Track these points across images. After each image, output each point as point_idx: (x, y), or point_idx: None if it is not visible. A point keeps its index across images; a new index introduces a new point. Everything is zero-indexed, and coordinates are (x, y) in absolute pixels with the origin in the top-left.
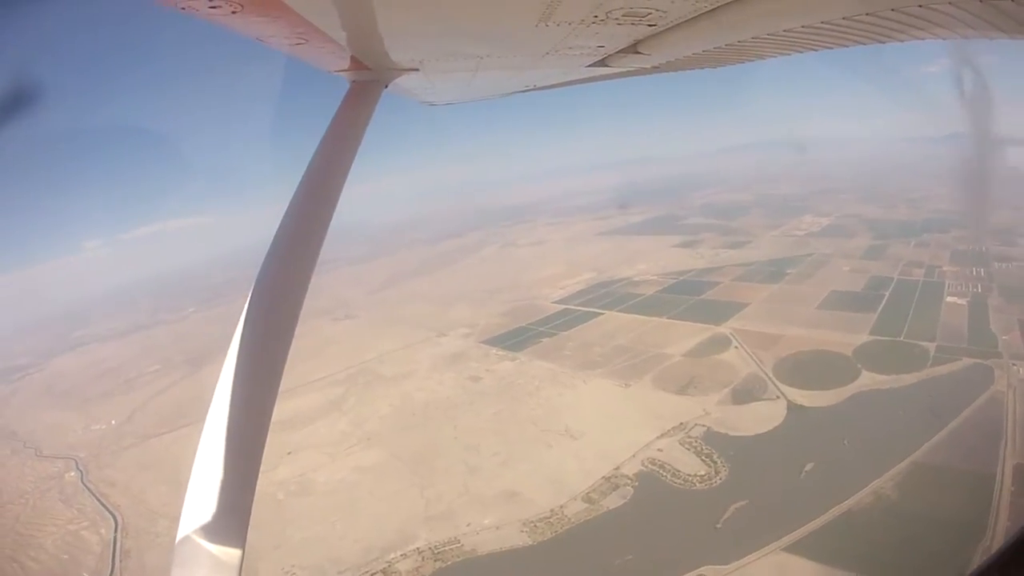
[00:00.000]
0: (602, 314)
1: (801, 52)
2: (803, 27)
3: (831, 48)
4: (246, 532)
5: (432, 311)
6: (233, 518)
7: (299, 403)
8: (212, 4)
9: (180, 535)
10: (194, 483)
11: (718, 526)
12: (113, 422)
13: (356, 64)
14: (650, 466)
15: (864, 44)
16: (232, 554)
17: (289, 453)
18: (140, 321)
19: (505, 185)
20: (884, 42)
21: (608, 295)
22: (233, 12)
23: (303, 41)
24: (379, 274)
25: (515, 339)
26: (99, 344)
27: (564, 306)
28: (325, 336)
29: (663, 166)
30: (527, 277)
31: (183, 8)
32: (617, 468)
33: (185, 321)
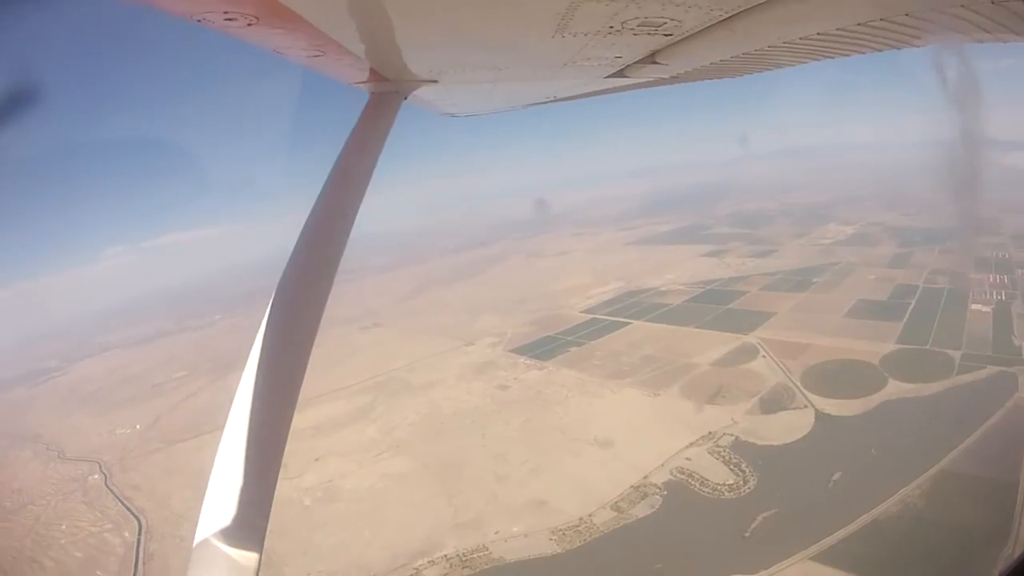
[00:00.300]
0: (630, 323)
1: (819, 60)
2: (819, 35)
3: (848, 55)
4: (264, 536)
5: (459, 320)
6: (251, 522)
7: (327, 410)
8: (228, 16)
9: (198, 538)
10: (213, 487)
11: (746, 535)
12: (138, 426)
13: (375, 76)
14: (679, 475)
15: (880, 50)
16: (250, 558)
17: (317, 460)
18: (166, 328)
19: (530, 194)
20: (900, 48)
21: (636, 305)
22: (249, 25)
23: (320, 53)
24: (406, 283)
25: (543, 348)
26: (125, 349)
27: (592, 315)
28: (353, 345)
29: (687, 174)
30: (554, 286)
31: (199, 20)
32: (646, 477)
33: (212, 328)
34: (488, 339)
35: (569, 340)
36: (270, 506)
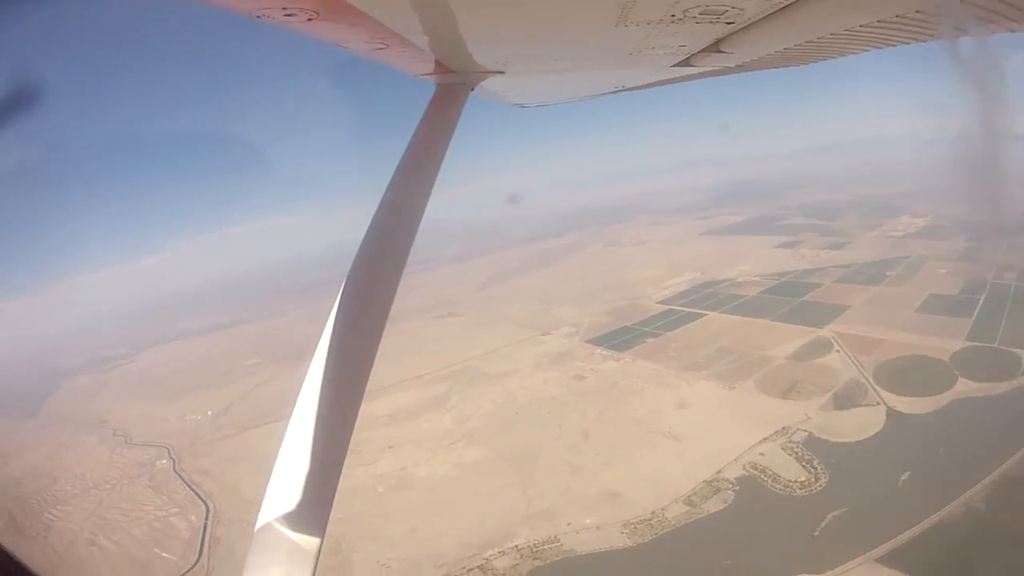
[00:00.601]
0: (706, 315)
1: (880, 48)
2: (879, 22)
3: (908, 43)
4: (326, 522)
5: (536, 310)
6: (314, 508)
7: (402, 398)
8: (287, 12)
9: (260, 522)
10: (278, 471)
11: (816, 534)
12: (209, 413)
13: (440, 67)
14: (752, 470)
15: (939, 39)
16: (311, 542)
17: (391, 447)
18: (239, 316)
19: (603, 184)
20: (959, 36)
21: (711, 296)
22: (309, 20)
23: (384, 46)
24: (482, 272)
25: (619, 339)
26: (196, 337)
27: (668, 306)
28: (429, 333)
29: (759, 164)
30: (630, 277)
31: (258, 17)
32: (719, 472)
33: (284, 317)
34: (565, 329)
35: (645, 331)
36: (334, 493)
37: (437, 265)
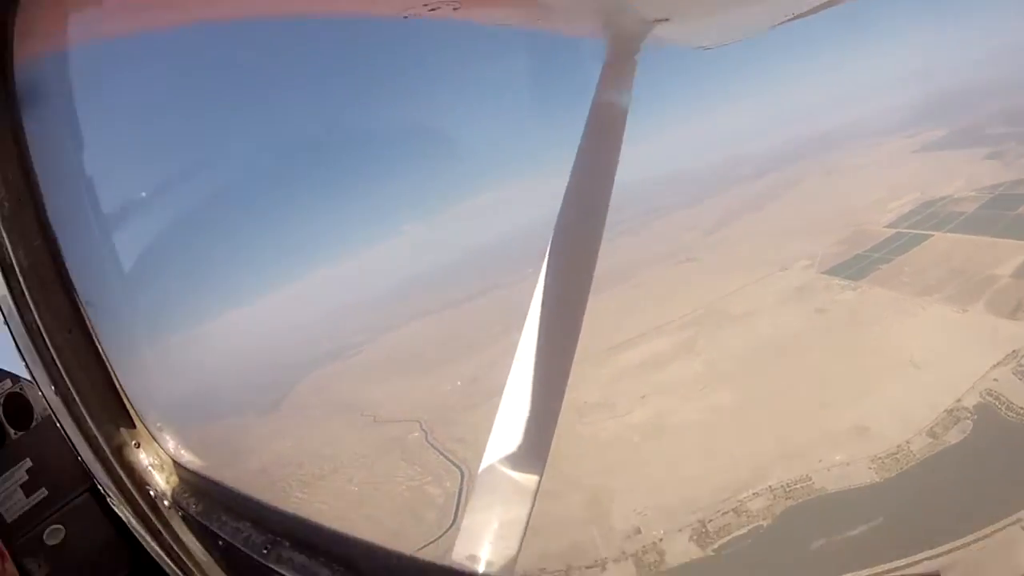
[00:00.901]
0: (931, 235)
1: None
2: None
3: None
4: (545, 461)
5: (770, 245)
6: (535, 448)
7: (652, 348)
8: (431, 7)
9: (484, 463)
10: (501, 416)
11: None
12: (459, 383)
13: (604, 23)
14: (987, 398)
15: None
16: (531, 479)
17: (643, 397)
18: (474, 290)
19: (811, 113)
20: None
21: (933, 216)
22: (455, 9)
23: (539, 17)
24: (711, 215)
25: (854, 267)
26: (435, 314)
27: (895, 229)
28: (670, 280)
29: (956, 72)
30: (854, 203)
31: (405, 16)
32: (959, 400)
33: (521, 284)
34: (801, 262)
35: (877, 257)
36: (552, 432)
37: (666, 213)
